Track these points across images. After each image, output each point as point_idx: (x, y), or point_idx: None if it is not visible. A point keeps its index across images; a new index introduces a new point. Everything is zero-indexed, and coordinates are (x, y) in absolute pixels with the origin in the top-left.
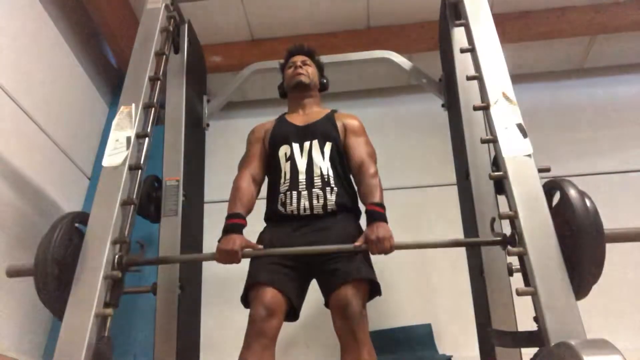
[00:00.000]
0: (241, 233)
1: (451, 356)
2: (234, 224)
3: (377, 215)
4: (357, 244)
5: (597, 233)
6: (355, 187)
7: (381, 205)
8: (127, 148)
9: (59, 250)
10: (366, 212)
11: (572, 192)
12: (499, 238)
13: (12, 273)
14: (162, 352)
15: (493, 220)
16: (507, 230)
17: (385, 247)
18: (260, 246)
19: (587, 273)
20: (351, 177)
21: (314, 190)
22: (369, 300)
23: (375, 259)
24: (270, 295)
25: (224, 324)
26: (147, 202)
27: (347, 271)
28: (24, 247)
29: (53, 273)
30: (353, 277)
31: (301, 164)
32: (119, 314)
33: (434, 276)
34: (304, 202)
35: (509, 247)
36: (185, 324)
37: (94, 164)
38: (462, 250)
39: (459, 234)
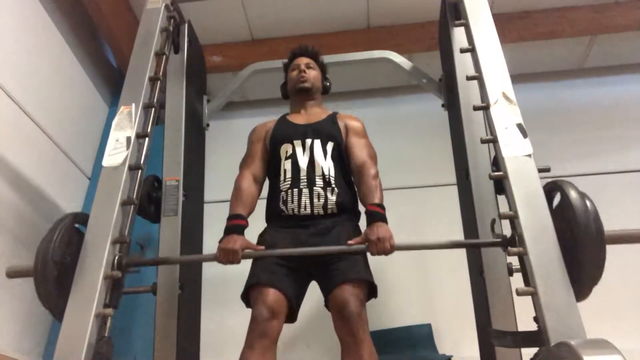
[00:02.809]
0: (242, 234)
1: (451, 356)
2: (235, 225)
3: (378, 215)
4: (356, 240)
5: (598, 235)
6: (355, 189)
7: (381, 206)
8: (127, 148)
9: (58, 252)
10: (366, 212)
11: (573, 194)
12: (499, 239)
13: (12, 274)
14: (162, 352)
15: (493, 221)
16: (507, 229)
17: (386, 247)
18: (261, 247)
19: (588, 275)
20: (351, 178)
21: (315, 188)
22: (367, 300)
23: (374, 258)
24: (272, 296)
25: (224, 324)
26: (147, 202)
27: (345, 271)
28: (24, 247)
29: (53, 274)
30: (351, 277)
31: (303, 161)
32: (119, 314)
33: (434, 276)
34: (305, 200)
35: (509, 247)
36: (185, 324)
37: (94, 164)
38: (462, 251)
39: (459, 234)
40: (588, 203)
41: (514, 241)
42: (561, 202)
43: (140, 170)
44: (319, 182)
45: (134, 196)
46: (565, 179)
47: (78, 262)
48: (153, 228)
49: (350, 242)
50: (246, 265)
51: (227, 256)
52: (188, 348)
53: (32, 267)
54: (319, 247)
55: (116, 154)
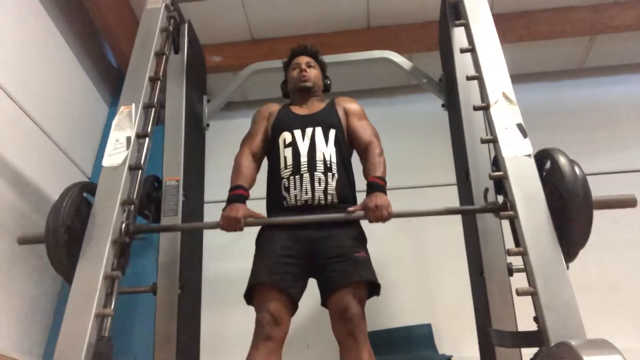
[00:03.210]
0: (244, 203)
1: (451, 356)
2: (237, 195)
3: (377, 186)
4: (355, 208)
5: (585, 198)
6: (354, 178)
7: (383, 179)
8: (127, 148)
9: (69, 217)
10: (367, 184)
11: (562, 160)
12: (491, 206)
13: (24, 240)
14: (162, 352)
15: (486, 190)
16: (507, 230)
17: (383, 214)
18: (263, 214)
19: (575, 237)
20: (351, 166)
21: (315, 173)
22: (367, 299)
23: (374, 258)
24: (275, 301)
25: (224, 324)
26: (147, 202)
27: (347, 274)
28: (24, 246)
29: (63, 239)
30: (354, 279)
31: (303, 147)
32: (119, 314)
33: (434, 276)
34: (306, 185)
35: (510, 249)
36: (185, 324)
37: (94, 164)
38: (463, 250)
39: (459, 233)
40: (577, 169)
41: (506, 207)
42: (550, 168)
43: (140, 170)
44: (320, 167)
45: (134, 196)
46: (556, 148)
47: (87, 227)
48: None
49: (349, 209)
50: (248, 264)
51: (230, 224)
52: (188, 348)
53: (43, 233)
54: (319, 215)
55: (116, 154)
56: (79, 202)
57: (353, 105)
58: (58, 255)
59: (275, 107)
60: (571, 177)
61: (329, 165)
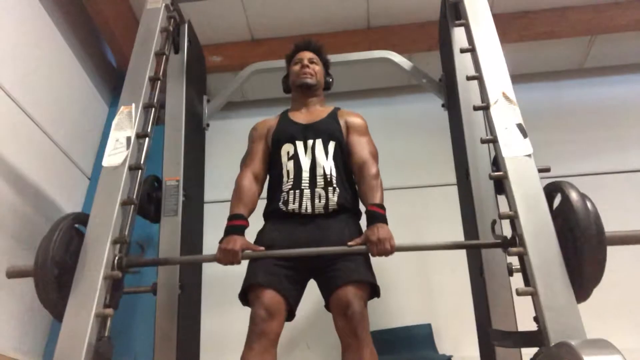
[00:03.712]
0: (242, 234)
1: (451, 356)
2: (235, 226)
3: (378, 216)
4: (356, 241)
5: (598, 236)
6: (355, 189)
7: (382, 206)
8: (127, 148)
9: (58, 252)
10: (366, 212)
11: (574, 195)
12: (499, 240)
13: (12, 274)
14: (162, 352)
15: (494, 222)
16: (507, 228)
17: (386, 248)
18: (261, 248)
19: (589, 276)
20: (353, 176)
21: (316, 190)
22: (368, 300)
23: (374, 258)
24: (269, 297)
25: (224, 324)
26: (147, 202)
27: (348, 272)
28: (24, 247)
29: (53, 274)
30: (354, 278)
31: (305, 162)
32: (119, 314)
33: (434, 276)
34: (306, 202)
35: (510, 248)
36: (185, 324)
37: (94, 164)
38: (462, 251)
39: (459, 234)
40: (589, 204)
41: (514, 242)
42: (562, 203)
43: (140, 170)
44: (320, 182)
45: (134, 196)
46: (565, 179)
47: (78, 262)
48: (153, 228)
49: (350, 242)
50: (247, 263)
51: (227, 257)
52: (188, 348)
53: (32, 267)
54: (319, 248)
55: (116, 154)
56: (70, 234)
57: (356, 120)
58: (47, 291)
59: (272, 121)
60: (584, 214)
61: (329, 180)
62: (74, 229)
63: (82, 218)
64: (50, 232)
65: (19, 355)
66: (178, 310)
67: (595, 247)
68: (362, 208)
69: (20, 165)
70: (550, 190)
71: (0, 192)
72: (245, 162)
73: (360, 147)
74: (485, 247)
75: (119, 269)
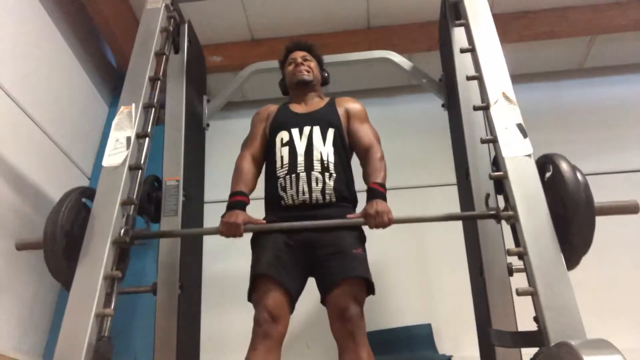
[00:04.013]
0: (244, 209)
1: (451, 356)
2: (237, 201)
3: (378, 193)
4: (355, 215)
5: (588, 204)
6: (352, 176)
7: (383, 185)
8: (127, 148)
9: (67, 223)
10: (367, 190)
11: (564, 166)
12: (492, 212)
13: (22, 246)
14: (162, 352)
15: (487, 195)
16: (506, 229)
17: (384, 220)
18: (262, 220)
19: (578, 243)
20: (350, 165)
21: (312, 172)
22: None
23: (374, 258)
24: (273, 298)
25: (224, 324)
26: (147, 202)
27: (343, 269)
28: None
29: (61, 245)
30: (348, 275)
31: (300, 146)
32: (119, 314)
33: (434, 276)
34: (303, 185)
35: (510, 249)
36: (185, 324)
37: (94, 164)
38: (463, 250)
39: (459, 233)
40: (579, 175)
41: (507, 211)
42: (553, 174)
43: (140, 170)
44: (317, 167)
45: (134, 196)
46: (558, 153)
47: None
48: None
49: (349, 215)
50: (247, 264)
51: (229, 229)
52: (188, 348)
53: (41, 238)
54: (319, 222)
55: (116, 154)
56: (78, 207)
57: (355, 106)
58: (56, 261)
59: (273, 108)
60: (573, 183)
61: (326, 165)
62: (81, 202)
63: (89, 192)
64: (59, 204)
65: (19, 355)
66: (178, 310)
67: (584, 215)
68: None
69: (20, 165)
70: (543, 163)
71: (0, 192)
72: (245, 145)
73: (365, 132)
74: (479, 219)
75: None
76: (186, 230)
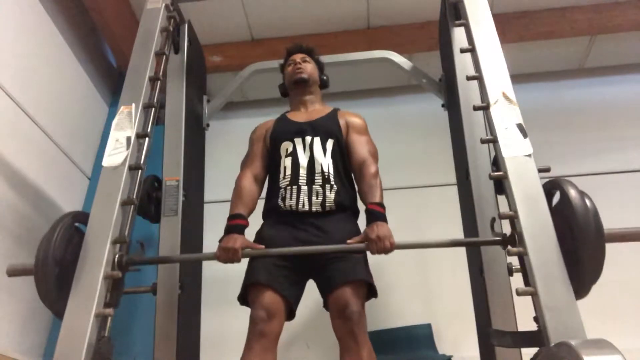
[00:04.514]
0: (242, 233)
1: (451, 356)
2: (235, 225)
3: (378, 214)
4: (356, 239)
5: (597, 233)
6: (356, 186)
7: (381, 205)
8: (127, 148)
9: (59, 250)
10: (366, 211)
11: (572, 192)
12: (498, 238)
13: (12, 272)
14: (162, 352)
15: (493, 220)
16: (507, 228)
17: (386, 246)
18: (261, 246)
19: (588, 273)
20: (352, 175)
21: (313, 186)
22: (365, 301)
23: (374, 258)
24: (269, 297)
25: (224, 324)
26: (147, 202)
27: (345, 272)
28: (24, 247)
29: (53, 273)
30: (351, 278)
31: (303, 159)
32: (119, 314)
33: (434, 276)
34: (303, 198)
35: (509, 247)
36: (185, 324)
37: (94, 164)
38: (462, 250)
39: (459, 234)
40: (587, 202)
41: (514, 240)
42: (561, 200)
43: (140, 170)
44: (318, 179)
45: (134, 196)
46: (565, 178)
47: (78, 261)
48: (153, 228)
49: (349, 240)
50: (246, 265)
51: (227, 255)
52: (188, 348)
53: (33, 265)
54: (318, 246)
55: (116, 154)
56: (70, 233)
57: (356, 120)
58: (47, 289)
59: (270, 123)
60: (582, 211)
61: (327, 177)
62: (74, 227)
63: (81, 217)
64: (50, 230)
65: (19, 355)
66: (178, 310)
67: (594, 244)
68: (361, 208)
69: (20, 165)
70: (549, 188)
71: (0, 192)
72: (245, 164)
73: (360, 146)
74: (485, 245)
75: (120, 268)
76: (183, 255)
